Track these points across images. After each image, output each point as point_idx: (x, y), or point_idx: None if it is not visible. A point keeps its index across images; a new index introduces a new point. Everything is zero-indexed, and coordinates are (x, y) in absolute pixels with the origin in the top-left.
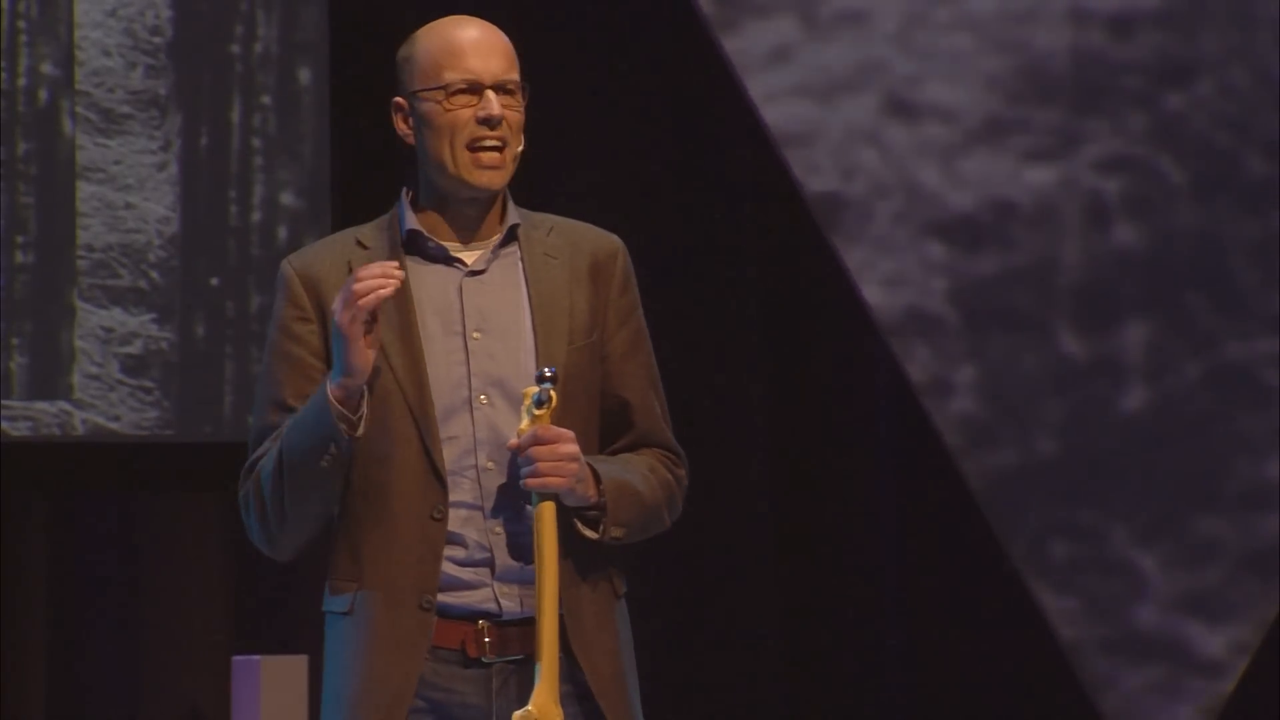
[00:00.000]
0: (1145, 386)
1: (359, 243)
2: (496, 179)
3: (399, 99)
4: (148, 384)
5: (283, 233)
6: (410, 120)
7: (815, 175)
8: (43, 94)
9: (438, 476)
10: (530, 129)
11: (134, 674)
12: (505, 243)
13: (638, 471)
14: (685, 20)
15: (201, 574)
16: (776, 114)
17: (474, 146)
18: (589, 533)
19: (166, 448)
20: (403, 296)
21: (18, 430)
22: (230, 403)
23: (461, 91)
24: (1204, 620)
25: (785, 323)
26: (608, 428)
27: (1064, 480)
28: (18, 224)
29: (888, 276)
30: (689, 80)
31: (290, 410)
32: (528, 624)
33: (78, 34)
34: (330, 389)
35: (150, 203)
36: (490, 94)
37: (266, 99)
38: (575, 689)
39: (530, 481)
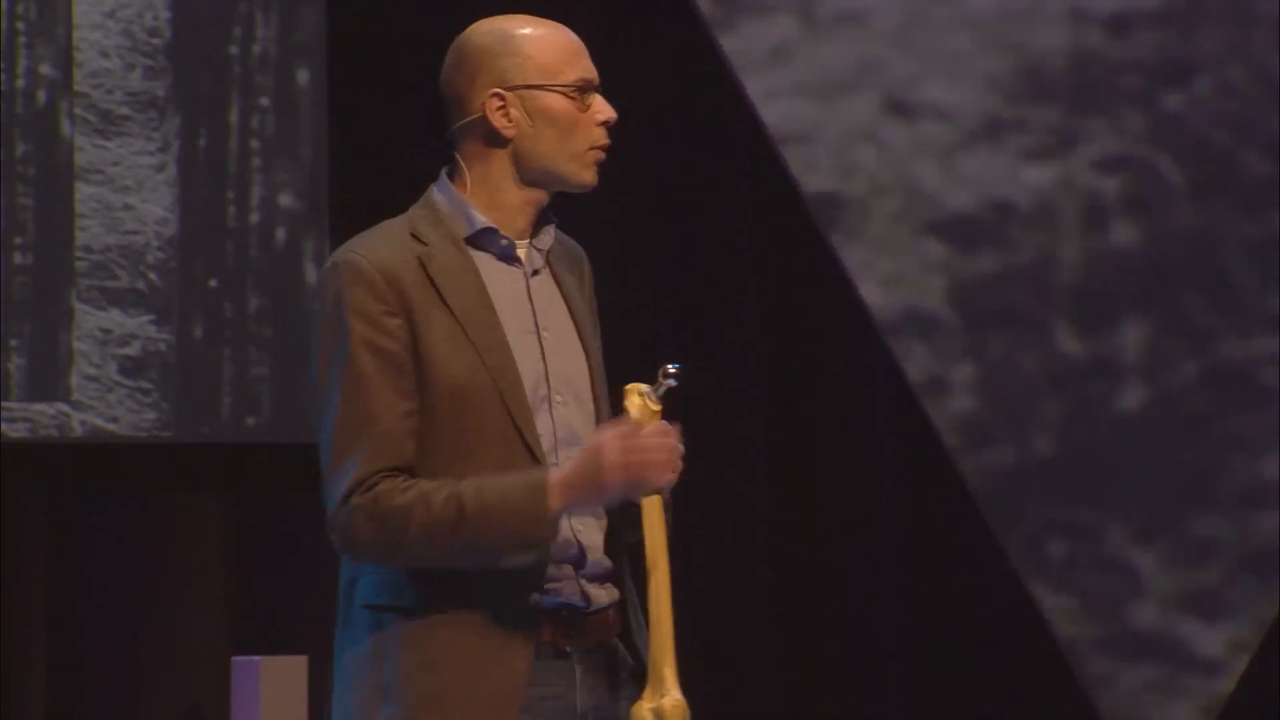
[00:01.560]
0: (1143, 386)
1: (415, 237)
2: (596, 179)
3: (502, 90)
4: (146, 385)
5: (281, 234)
6: (512, 113)
7: (814, 174)
8: (41, 95)
9: None
10: None
11: (134, 674)
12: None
13: None
14: (684, 20)
15: (201, 574)
16: (775, 113)
17: (594, 147)
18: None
19: (165, 449)
20: (481, 292)
21: (16, 431)
22: (228, 404)
23: (586, 92)
24: (1202, 619)
25: (784, 322)
26: None
27: (1062, 479)
28: (16, 225)
29: (886, 276)
30: (688, 80)
31: (392, 399)
32: (601, 613)
33: (76, 35)
34: (553, 507)
35: (149, 204)
36: (600, 98)
37: (265, 100)
38: (630, 672)
39: None
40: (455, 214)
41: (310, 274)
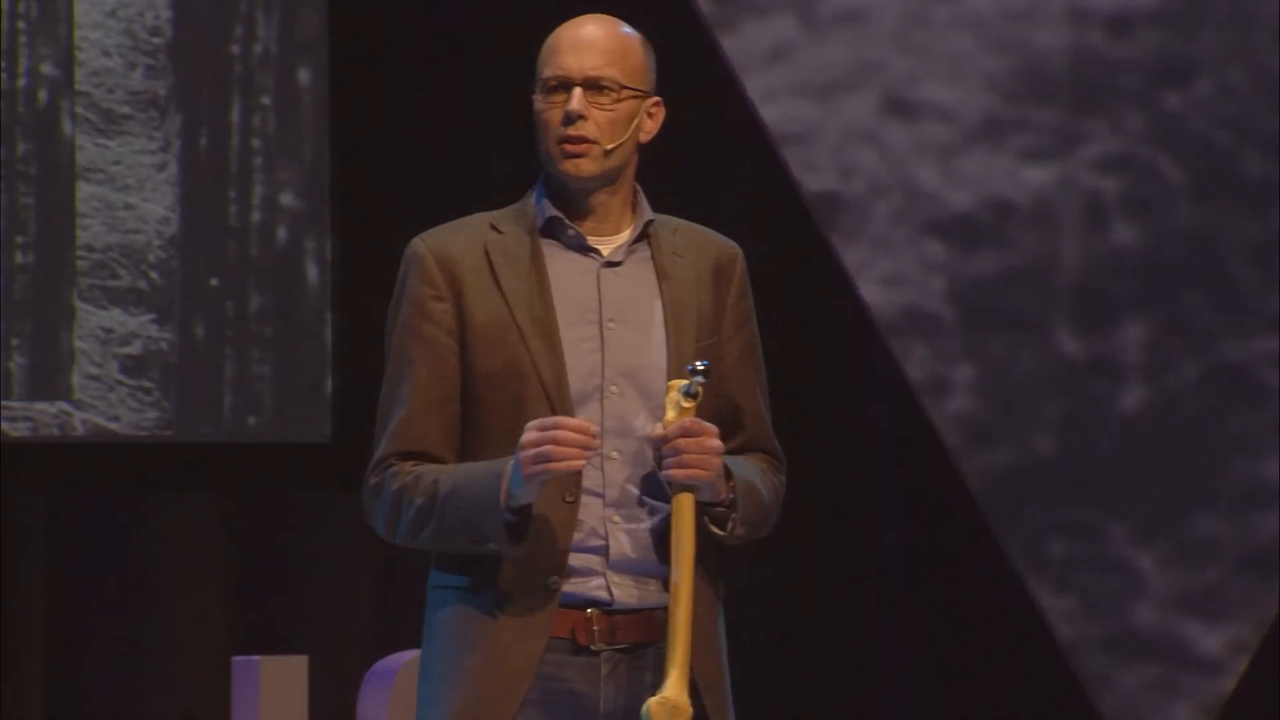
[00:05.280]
0: (1144, 386)
1: (493, 227)
2: (581, 166)
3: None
4: (147, 384)
5: (282, 233)
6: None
7: (814, 174)
8: (42, 94)
9: None
10: (529, 128)
11: (133, 674)
12: (638, 238)
13: (757, 473)
14: (684, 20)
15: (201, 574)
16: (775, 113)
17: (559, 141)
18: (717, 530)
19: (166, 448)
20: (540, 279)
21: (17, 431)
22: (229, 403)
23: (555, 89)
24: (1202, 619)
25: (784, 322)
26: (719, 429)
27: (1062, 479)
28: (18, 224)
29: (886, 276)
30: (688, 80)
31: (425, 385)
32: (637, 613)
33: (77, 34)
34: (504, 497)
35: (150, 203)
36: (577, 91)
37: (266, 99)
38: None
39: (676, 472)
40: (534, 204)
41: (311, 273)
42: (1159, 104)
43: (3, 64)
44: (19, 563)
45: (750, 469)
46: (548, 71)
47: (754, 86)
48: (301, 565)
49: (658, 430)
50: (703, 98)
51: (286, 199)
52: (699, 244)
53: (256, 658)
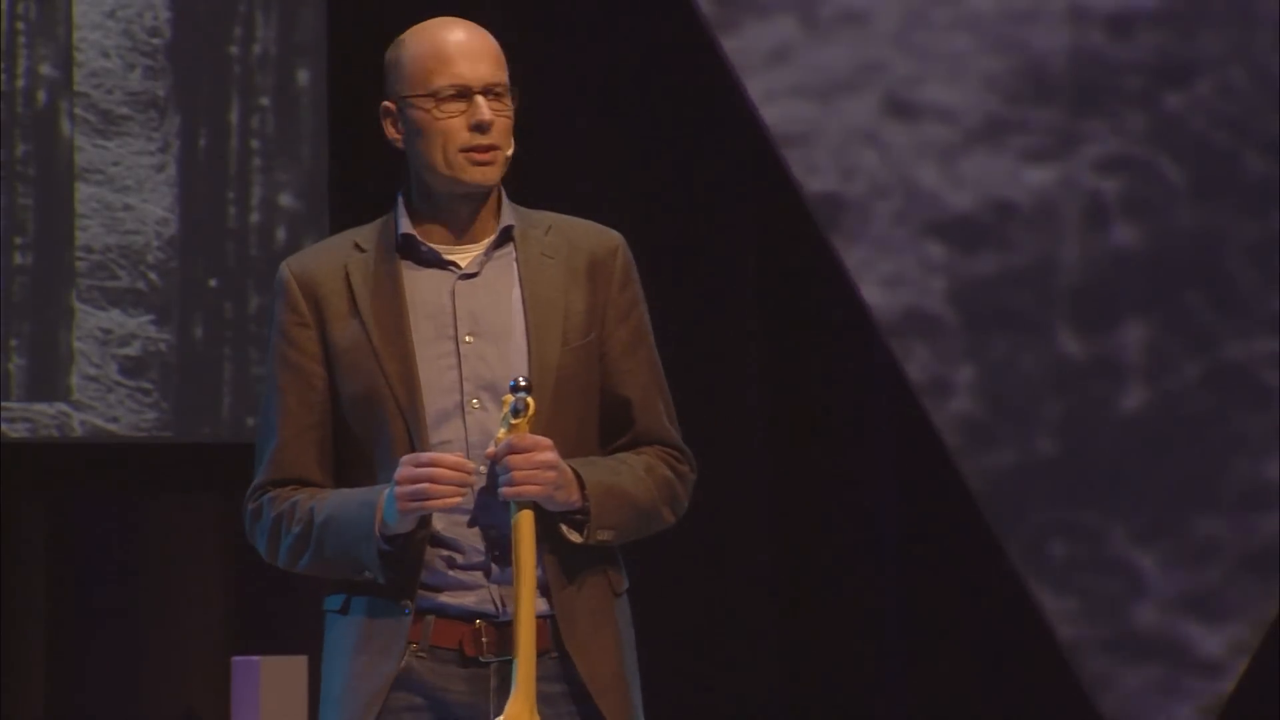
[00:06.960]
0: (1144, 386)
1: (356, 245)
2: (491, 174)
3: (388, 103)
4: (146, 385)
5: (281, 234)
6: (400, 125)
7: (814, 175)
8: (41, 95)
9: None
10: (529, 129)
11: (133, 674)
12: (500, 244)
13: (631, 472)
14: (685, 20)
15: (201, 574)
16: (776, 114)
17: (467, 150)
18: (574, 536)
19: (165, 449)
20: (396, 299)
21: (16, 432)
22: (228, 404)
23: (452, 98)
24: (1203, 620)
25: (784, 323)
26: (609, 426)
27: (1063, 480)
28: (16, 225)
29: (887, 277)
30: (689, 80)
31: (294, 411)
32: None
33: (76, 35)
34: (379, 527)
35: (149, 204)
36: (480, 99)
37: (265, 100)
38: (571, 689)
39: (506, 491)
40: (394, 221)
41: None
42: (1159, 104)
43: (2, 65)
44: (19, 563)
45: (621, 470)
46: (441, 80)
47: (755, 87)
48: None
49: (489, 450)
50: (703, 98)
51: (285, 200)
52: (573, 241)
53: (256, 658)
